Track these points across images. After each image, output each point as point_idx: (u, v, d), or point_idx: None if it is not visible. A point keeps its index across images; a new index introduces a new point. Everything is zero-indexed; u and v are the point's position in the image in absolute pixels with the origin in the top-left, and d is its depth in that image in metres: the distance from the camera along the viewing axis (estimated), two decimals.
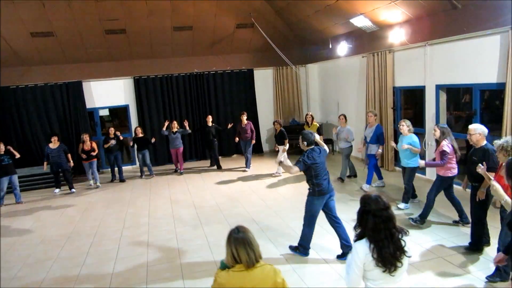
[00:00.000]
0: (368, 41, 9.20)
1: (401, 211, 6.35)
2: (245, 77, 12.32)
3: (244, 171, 10.27)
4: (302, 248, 5.12)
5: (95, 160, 9.66)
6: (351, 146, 8.40)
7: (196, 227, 6.42)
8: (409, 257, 2.45)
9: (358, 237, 2.51)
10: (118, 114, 15.28)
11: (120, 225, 6.83)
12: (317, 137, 5.03)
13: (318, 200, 4.87)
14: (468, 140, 4.93)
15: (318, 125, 9.67)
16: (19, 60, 10.36)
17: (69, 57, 10.75)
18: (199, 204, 7.64)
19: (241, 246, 2.25)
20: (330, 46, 10.68)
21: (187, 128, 10.68)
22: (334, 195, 5.02)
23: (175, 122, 10.53)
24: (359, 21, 8.65)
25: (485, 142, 4.68)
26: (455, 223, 5.73)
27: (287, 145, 9.39)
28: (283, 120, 12.49)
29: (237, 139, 10.48)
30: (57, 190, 9.45)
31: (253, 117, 12.21)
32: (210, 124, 10.68)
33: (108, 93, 11.43)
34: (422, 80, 7.82)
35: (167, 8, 9.71)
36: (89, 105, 11.22)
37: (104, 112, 14.60)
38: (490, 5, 5.91)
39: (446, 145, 5.46)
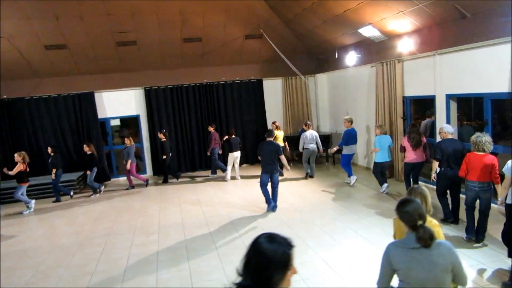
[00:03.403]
0: (377, 50, 9.23)
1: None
2: (254, 87, 12.42)
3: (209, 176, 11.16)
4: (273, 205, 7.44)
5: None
6: (311, 148, 9.82)
7: (205, 237, 6.44)
8: None
9: None
10: (129, 124, 15.48)
11: (131, 233, 6.88)
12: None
13: (265, 175, 7.35)
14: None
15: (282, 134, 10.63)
16: (33, 72, 10.61)
17: (82, 69, 10.97)
18: (209, 214, 7.68)
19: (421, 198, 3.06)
20: (337, 56, 10.72)
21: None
22: (277, 174, 7.40)
23: (127, 138, 10.32)
24: (367, 31, 8.70)
25: (450, 137, 6.14)
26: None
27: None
28: (294, 129, 12.55)
29: (220, 151, 11.00)
30: None
31: (263, 127, 12.27)
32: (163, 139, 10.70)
33: (119, 103, 11.62)
34: (432, 89, 7.79)
35: (177, 20, 9.87)
36: (100, 115, 11.41)
37: (116, 122, 14.80)
38: (499, 14, 5.90)
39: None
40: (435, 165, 6.13)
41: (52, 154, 9.51)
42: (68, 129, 11.19)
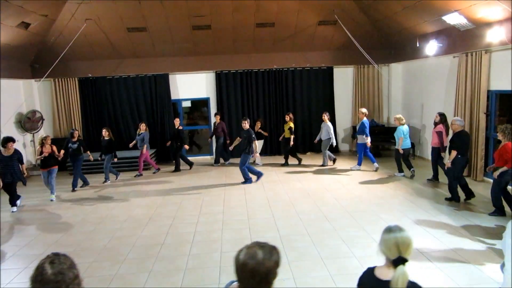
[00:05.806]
0: (461, 40, 8.56)
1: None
2: (324, 74, 12.18)
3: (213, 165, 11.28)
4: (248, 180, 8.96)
5: (55, 167, 8.35)
6: (329, 139, 10.25)
7: (268, 220, 6.53)
8: None
9: None
10: (198, 106, 16.07)
11: (197, 211, 7.18)
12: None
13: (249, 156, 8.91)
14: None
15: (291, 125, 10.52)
16: (115, 53, 11.35)
17: (159, 51, 11.51)
18: (272, 198, 7.76)
19: None
20: (418, 45, 10.11)
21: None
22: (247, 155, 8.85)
23: (142, 124, 10.27)
24: (453, 19, 8.08)
25: (461, 129, 6.78)
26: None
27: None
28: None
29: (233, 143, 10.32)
30: (14, 208, 7.66)
31: (331, 116, 12.05)
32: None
33: (191, 85, 12.06)
34: None
35: (251, 5, 9.93)
36: (173, 96, 11.93)
37: (186, 104, 15.41)
38: None
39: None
40: (454, 154, 6.69)
41: (106, 138, 9.41)
42: (143, 107, 11.87)
